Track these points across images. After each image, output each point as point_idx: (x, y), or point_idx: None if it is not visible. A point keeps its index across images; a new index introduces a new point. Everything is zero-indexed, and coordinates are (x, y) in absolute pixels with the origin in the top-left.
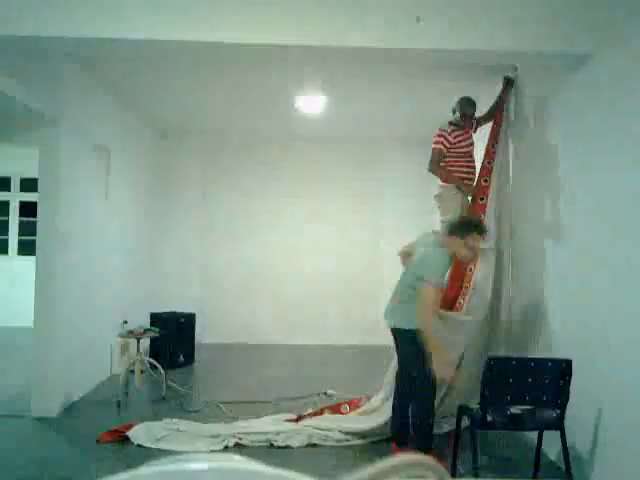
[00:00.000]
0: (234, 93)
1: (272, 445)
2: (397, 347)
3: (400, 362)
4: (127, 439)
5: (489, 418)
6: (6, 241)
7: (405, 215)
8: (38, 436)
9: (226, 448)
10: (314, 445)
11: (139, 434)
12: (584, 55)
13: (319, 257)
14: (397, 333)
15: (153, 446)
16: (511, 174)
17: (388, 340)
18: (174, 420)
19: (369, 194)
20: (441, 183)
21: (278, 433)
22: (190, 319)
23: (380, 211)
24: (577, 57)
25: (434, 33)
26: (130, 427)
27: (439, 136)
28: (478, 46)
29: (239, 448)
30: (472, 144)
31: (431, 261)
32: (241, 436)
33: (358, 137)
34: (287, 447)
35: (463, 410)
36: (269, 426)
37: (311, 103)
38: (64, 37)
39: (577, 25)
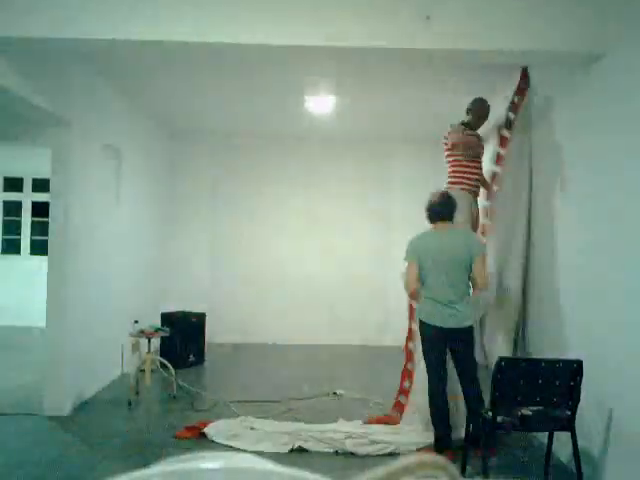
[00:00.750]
0: (245, 93)
1: (337, 453)
2: (455, 347)
3: (461, 360)
4: (204, 435)
5: (499, 419)
6: (19, 241)
7: (414, 216)
8: (50, 435)
9: (291, 451)
10: (390, 454)
11: (215, 431)
12: (597, 54)
13: (329, 257)
14: (461, 332)
15: (226, 443)
16: (529, 178)
17: (396, 341)
18: (250, 418)
19: (378, 194)
20: (447, 185)
21: (347, 437)
22: (201, 319)
23: (389, 211)
24: (590, 56)
25: (445, 33)
26: (206, 424)
27: (453, 134)
28: (490, 46)
29: (301, 453)
30: (483, 147)
31: (473, 238)
32: (307, 440)
33: (367, 137)
34: (353, 454)
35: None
36: (341, 428)
37: (321, 103)
38: (76, 39)
39: (590, 24)
